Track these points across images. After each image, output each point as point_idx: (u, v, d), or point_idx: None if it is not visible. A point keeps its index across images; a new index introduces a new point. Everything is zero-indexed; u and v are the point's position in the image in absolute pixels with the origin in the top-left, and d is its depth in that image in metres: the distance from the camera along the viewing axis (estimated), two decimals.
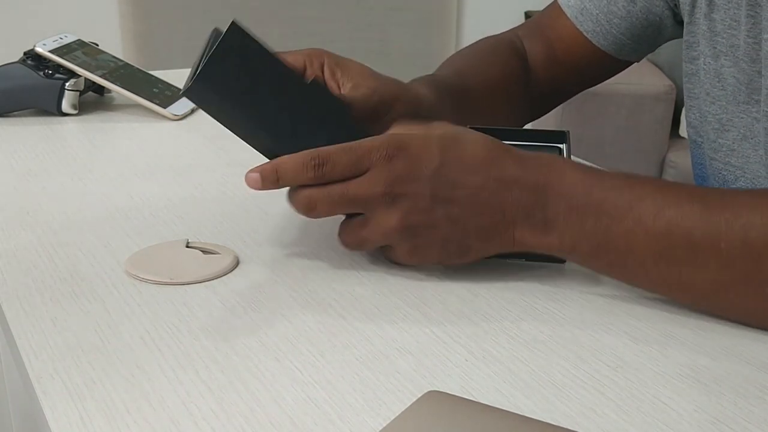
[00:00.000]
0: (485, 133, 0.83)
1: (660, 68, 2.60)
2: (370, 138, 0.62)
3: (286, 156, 0.62)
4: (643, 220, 0.58)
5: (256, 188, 0.62)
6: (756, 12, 0.75)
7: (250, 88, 0.62)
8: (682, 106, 0.89)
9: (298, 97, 0.64)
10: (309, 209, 0.62)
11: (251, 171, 0.62)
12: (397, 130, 0.64)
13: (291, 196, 0.63)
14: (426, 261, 0.64)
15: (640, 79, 2.43)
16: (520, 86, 0.94)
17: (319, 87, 0.65)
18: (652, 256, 0.58)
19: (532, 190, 0.61)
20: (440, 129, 0.63)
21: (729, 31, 0.78)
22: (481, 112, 0.89)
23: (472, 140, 0.63)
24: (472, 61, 0.93)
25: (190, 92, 0.62)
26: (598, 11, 0.89)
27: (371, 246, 0.65)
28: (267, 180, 0.61)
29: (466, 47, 0.96)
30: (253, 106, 0.63)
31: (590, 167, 0.62)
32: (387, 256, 0.66)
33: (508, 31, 0.99)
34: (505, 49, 0.95)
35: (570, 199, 0.60)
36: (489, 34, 0.98)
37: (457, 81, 0.87)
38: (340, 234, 0.65)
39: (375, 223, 0.62)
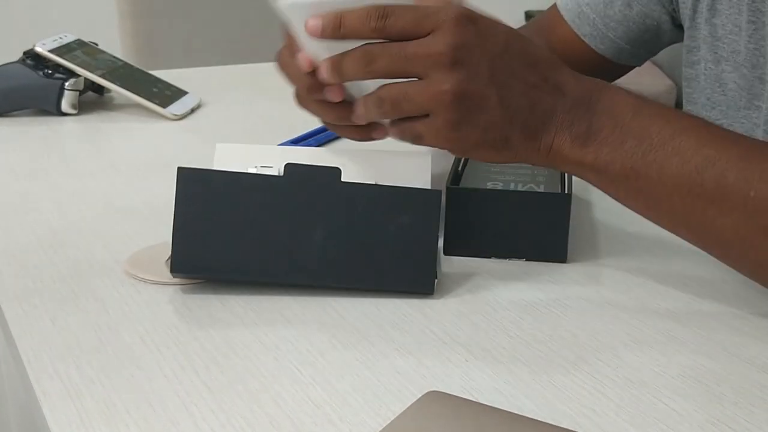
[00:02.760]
0: None
1: (660, 68, 2.60)
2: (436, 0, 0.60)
3: (349, 8, 0.59)
4: (682, 151, 0.58)
5: (316, 35, 0.59)
6: (757, 18, 0.75)
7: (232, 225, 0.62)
8: (682, 106, 0.89)
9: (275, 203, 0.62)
10: (367, 63, 0.59)
11: (313, 18, 0.59)
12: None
13: (347, 57, 0.59)
14: (461, 143, 0.60)
15: (640, 79, 2.43)
16: None
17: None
18: (681, 190, 0.59)
19: (582, 100, 0.60)
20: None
21: (730, 36, 0.78)
22: None
23: (535, 42, 0.62)
24: None
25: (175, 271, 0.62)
26: (595, 15, 0.89)
27: (411, 107, 0.60)
28: (328, 28, 0.58)
29: None
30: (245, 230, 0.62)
31: (638, 93, 0.62)
32: (417, 137, 0.62)
33: None
34: None
35: (616, 117, 0.60)
36: None
37: None
38: (382, 87, 0.60)
39: (427, 83, 0.59)
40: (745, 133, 0.79)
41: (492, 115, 0.59)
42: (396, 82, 0.59)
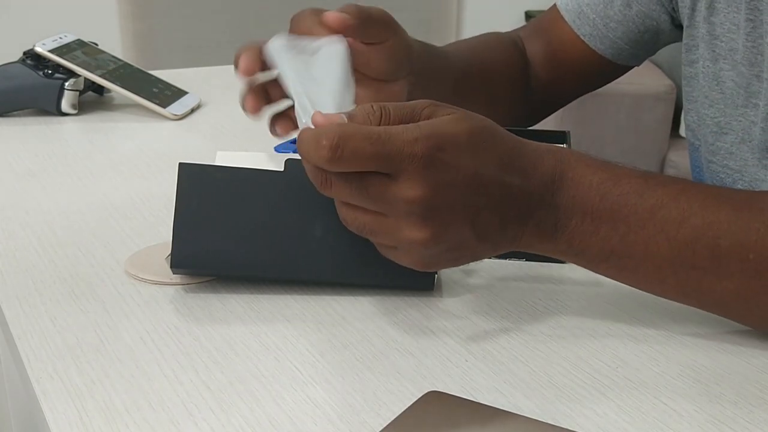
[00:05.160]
0: None
1: (660, 68, 2.60)
2: (400, 129, 0.52)
3: (316, 121, 0.54)
4: (666, 229, 0.55)
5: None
6: (755, 16, 0.75)
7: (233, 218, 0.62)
8: (683, 106, 0.89)
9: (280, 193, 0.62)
10: (322, 187, 0.54)
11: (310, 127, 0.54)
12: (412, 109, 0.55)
13: (308, 153, 0.54)
14: (430, 268, 0.58)
15: (640, 79, 2.43)
16: (520, 81, 0.94)
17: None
18: (672, 264, 0.56)
19: (544, 192, 0.56)
20: (463, 120, 0.55)
21: (728, 34, 0.78)
22: (478, 95, 0.88)
23: (495, 136, 0.56)
24: (475, 47, 0.93)
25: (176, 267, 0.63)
26: (595, 15, 0.89)
27: (377, 239, 0.57)
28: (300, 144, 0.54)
29: (468, 38, 0.96)
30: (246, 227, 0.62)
31: (605, 164, 0.58)
32: (381, 250, 0.58)
33: (509, 31, 0.99)
34: (509, 45, 0.95)
35: (584, 203, 0.56)
36: None
37: (457, 57, 0.87)
38: (342, 212, 0.56)
39: (396, 227, 0.54)
40: (743, 131, 0.79)
41: (466, 245, 0.56)
42: (358, 212, 0.55)
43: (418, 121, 0.54)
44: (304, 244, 0.62)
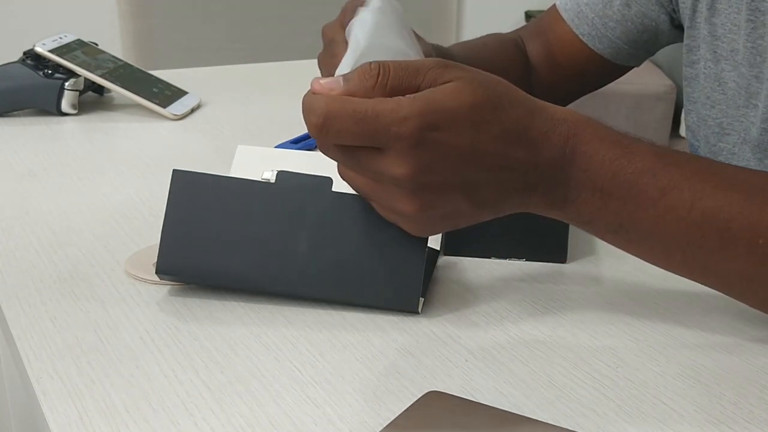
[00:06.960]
0: None
1: (660, 68, 2.60)
2: (390, 105, 0.51)
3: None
4: (676, 209, 0.54)
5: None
6: (756, 17, 0.75)
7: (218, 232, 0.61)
8: (683, 106, 0.89)
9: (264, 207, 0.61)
10: (321, 149, 0.54)
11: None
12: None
13: (308, 114, 0.53)
14: (429, 233, 0.58)
15: (640, 78, 2.43)
16: (523, 83, 0.94)
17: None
18: (679, 243, 0.55)
19: (553, 164, 0.55)
20: (465, 92, 0.53)
21: (729, 35, 0.78)
22: None
23: (501, 107, 0.54)
24: (478, 49, 0.93)
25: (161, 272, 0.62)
26: (593, 15, 0.90)
27: (376, 205, 0.58)
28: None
29: (471, 39, 0.96)
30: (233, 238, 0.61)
31: (620, 139, 0.56)
32: (380, 211, 0.58)
33: (510, 32, 0.99)
34: (510, 45, 0.95)
35: (595, 179, 0.55)
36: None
37: (460, 60, 0.87)
38: (345, 175, 0.57)
39: (389, 199, 0.55)
40: (744, 132, 0.79)
41: (462, 214, 0.56)
42: (355, 175, 0.56)
43: (421, 83, 0.53)
44: (288, 258, 0.61)
